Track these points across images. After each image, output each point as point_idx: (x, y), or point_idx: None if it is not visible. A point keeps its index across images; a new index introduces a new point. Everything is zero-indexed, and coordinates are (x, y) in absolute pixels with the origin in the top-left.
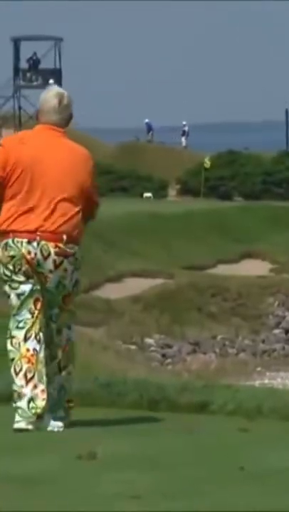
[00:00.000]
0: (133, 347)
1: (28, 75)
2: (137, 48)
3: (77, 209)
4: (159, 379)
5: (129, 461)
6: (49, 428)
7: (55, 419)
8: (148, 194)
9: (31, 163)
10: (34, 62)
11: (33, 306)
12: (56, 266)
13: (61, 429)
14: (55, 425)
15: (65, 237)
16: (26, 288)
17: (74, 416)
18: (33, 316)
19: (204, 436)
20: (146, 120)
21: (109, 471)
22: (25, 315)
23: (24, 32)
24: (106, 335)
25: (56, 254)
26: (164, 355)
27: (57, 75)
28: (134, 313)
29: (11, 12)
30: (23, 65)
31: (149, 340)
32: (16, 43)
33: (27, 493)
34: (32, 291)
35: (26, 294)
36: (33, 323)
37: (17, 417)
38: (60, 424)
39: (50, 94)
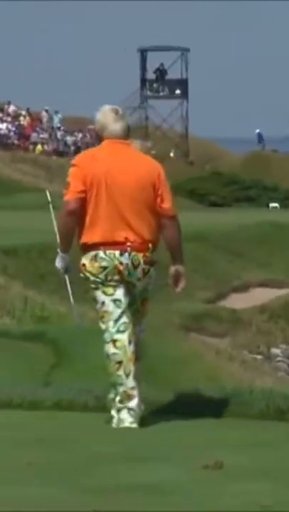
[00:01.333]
0: (259, 357)
1: (155, 85)
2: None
3: (155, 218)
4: (285, 389)
5: (256, 472)
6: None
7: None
8: (274, 204)
9: (106, 177)
10: (161, 73)
11: (128, 311)
12: (144, 274)
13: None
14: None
15: (150, 246)
16: (120, 295)
17: (201, 426)
18: (129, 321)
19: None
20: (258, 130)
21: (236, 481)
22: (124, 319)
23: (151, 43)
24: (232, 345)
25: (145, 263)
26: None
27: (183, 85)
28: (260, 323)
29: (138, 23)
30: (150, 75)
31: (275, 351)
32: (143, 53)
33: (155, 502)
34: (126, 297)
35: (123, 300)
36: (130, 327)
37: (128, 417)
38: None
39: (106, 110)
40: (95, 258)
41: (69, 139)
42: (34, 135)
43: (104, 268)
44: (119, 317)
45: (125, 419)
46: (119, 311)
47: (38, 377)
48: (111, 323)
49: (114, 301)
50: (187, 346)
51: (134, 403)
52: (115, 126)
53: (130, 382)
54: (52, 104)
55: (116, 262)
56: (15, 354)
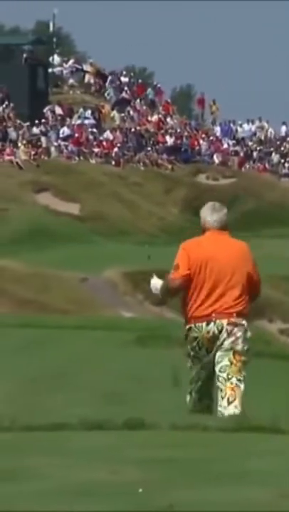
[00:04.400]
0: None
1: None
2: None
3: (244, 292)
4: None
5: None
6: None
7: None
8: None
9: (207, 262)
10: None
11: (205, 378)
12: (228, 333)
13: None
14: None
15: (235, 314)
16: (203, 365)
17: None
18: (203, 383)
19: None
20: None
21: None
22: (200, 384)
23: None
24: None
25: (228, 324)
26: None
27: None
28: None
29: None
30: None
31: None
32: None
33: None
34: (208, 366)
35: (205, 370)
36: (204, 388)
37: None
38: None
39: (206, 206)
40: (190, 330)
41: None
42: None
43: (195, 338)
44: (198, 381)
45: None
46: (198, 377)
47: None
48: (192, 384)
49: (198, 369)
50: None
51: None
52: (212, 220)
53: None
54: None
55: (203, 332)
56: None
